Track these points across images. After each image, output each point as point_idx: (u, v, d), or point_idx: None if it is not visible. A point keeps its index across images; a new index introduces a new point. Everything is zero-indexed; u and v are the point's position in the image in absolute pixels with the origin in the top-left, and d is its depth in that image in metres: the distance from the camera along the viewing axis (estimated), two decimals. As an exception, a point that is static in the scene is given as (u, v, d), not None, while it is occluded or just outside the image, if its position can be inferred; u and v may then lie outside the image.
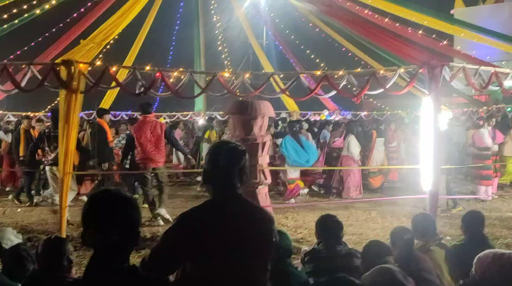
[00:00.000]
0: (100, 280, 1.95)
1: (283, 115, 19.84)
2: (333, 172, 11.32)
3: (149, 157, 8.31)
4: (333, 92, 7.62)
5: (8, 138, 11.67)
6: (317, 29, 17.07)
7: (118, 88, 7.48)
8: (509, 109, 17.01)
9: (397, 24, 12.94)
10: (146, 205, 8.48)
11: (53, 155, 8.39)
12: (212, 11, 19.85)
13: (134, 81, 7.03)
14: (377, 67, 11.42)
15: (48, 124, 9.70)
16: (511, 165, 11.72)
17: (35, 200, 10.10)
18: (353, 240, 7.00)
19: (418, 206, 9.09)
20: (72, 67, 6.42)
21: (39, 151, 9.02)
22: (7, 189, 11.87)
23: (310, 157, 10.52)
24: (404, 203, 9.57)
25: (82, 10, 14.64)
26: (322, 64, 17.60)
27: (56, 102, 12.90)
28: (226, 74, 7.66)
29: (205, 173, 2.51)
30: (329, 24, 15.60)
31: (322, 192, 11.42)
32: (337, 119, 18.43)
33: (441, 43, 12.44)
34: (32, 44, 14.93)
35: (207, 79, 8.14)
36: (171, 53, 21.12)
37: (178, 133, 14.33)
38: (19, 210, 9.63)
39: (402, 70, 7.43)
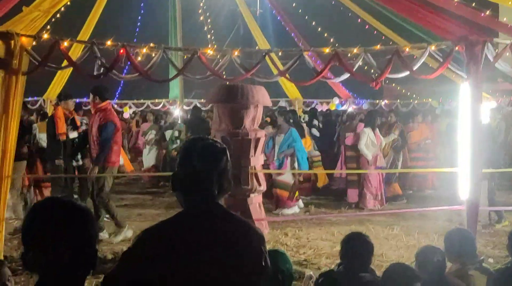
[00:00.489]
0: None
1: (282, 103, 19.90)
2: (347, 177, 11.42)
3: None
4: (346, 75, 7.62)
5: None
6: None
7: (71, 69, 7.43)
8: None
9: (427, -10, 12.96)
10: (108, 217, 8.54)
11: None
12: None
13: (91, 60, 6.99)
14: (402, 43, 11.44)
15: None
16: None
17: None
18: (370, 263, 7.01)
19: (453, 220, 9.12)
20: (12, 42, 6.36)
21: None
22: None
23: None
24: (435, 216, 9.59)
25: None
26: (331, 40, 17.64)
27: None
28: (210, 52, 7.64)
29: (175, 177, 2.49)
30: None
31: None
32: (350, 109, 18.50)
33: (483, 14, 12.47)
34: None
35: (185, 57, 8.10)
36: (138, 24, 21.07)
37: (146, 127, 14.35)
38: None
39: (433, 47, 7.44)
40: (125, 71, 8.49)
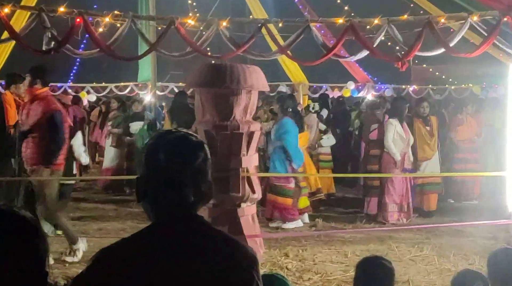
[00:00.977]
0: None
1: (283, 89, 19.91)
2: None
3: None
4: (364, 53, 7.65)
5: None
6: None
7: (13, 42, 7.41)
8: None
9: None
10: (60, 232, 8.54)
11: None
12: None
13: (39, 31, 6.99)
14: (436, 13, 11.47)
15: None
16: None
17: None
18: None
19: (498, 237, 9.16)
20: None
21: None
22: None
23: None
24: (476, 233, 9.64)
25: None
26: (346, 7, 17.65)
27: None
28: (190, 22, 7.65)
29: (139, 182, 2.46)
30: None
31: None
32: (369, 96, 18.54)
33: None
34: None
35: (159, 28, 8.11)
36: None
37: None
38: None
39: (475, 18, 7.47)
40: (82, 46, 8.49)
